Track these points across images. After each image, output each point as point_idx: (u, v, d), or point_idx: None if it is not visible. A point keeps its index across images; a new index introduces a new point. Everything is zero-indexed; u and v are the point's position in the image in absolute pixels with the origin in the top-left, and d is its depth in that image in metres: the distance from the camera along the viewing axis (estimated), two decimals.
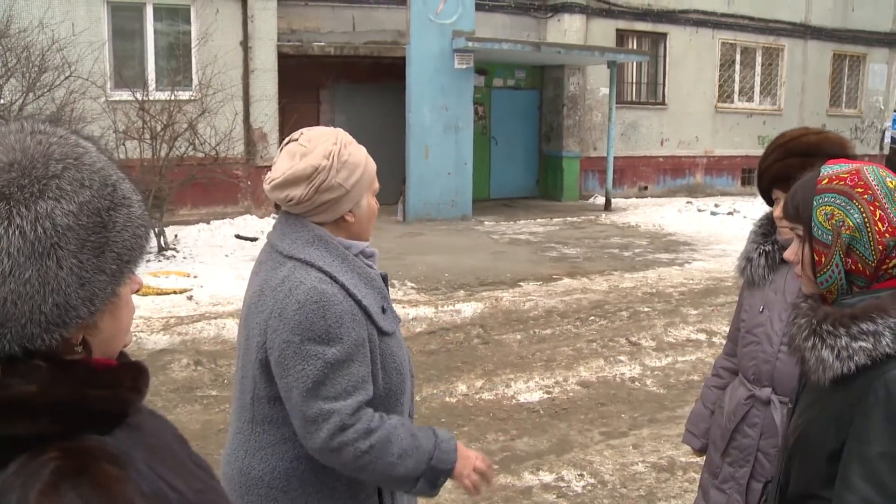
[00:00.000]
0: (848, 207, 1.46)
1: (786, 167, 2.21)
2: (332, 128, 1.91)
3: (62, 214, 0.92)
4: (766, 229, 2.41)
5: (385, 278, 1.97)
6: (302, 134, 1.87)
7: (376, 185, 1.93)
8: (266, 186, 1.85)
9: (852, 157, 1.97)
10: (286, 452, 1.83)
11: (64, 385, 0.94)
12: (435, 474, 1.80)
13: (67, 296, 0.93)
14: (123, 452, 0.96)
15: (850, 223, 1.45)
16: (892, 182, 1.48)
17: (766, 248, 2.37)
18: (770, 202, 2.33)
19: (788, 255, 1.60)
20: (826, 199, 1.49)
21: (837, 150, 2.17)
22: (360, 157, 1.85)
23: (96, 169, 0.98)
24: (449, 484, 4.16)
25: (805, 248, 1.53)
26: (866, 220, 1.45)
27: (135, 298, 4.51)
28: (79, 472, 0.90)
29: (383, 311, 1.86)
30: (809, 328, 1.49)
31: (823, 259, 1.49)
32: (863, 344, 1.41)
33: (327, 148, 1.81)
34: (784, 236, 2.29)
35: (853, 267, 1.47)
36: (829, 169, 1.53)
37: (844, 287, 1.49)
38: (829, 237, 1.47)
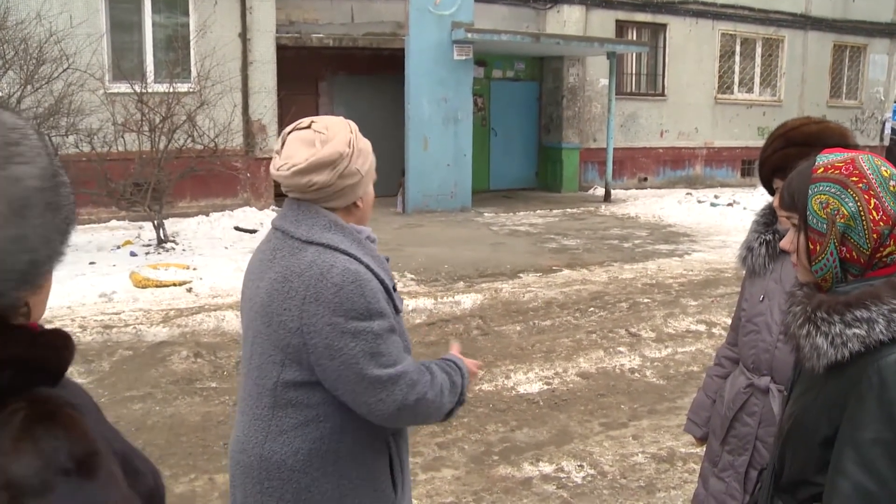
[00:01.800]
0: (843, 196, 1.47)
1: (786, 157, 2.21)
2: (338, 117, 1.97)
3: (31, 178, 0.99)
4: (768, 219, 2.41)
5: (388, 261, 2.06)
6: (313, 122, 1.90)
7: (374, 173, 2.00)
8: (282, 173, 1.84)
9: (853, 147, 1.96)
10: (309, 434, 1.86)
11: (17, 342, 0.99)
12: (463, 397, 2.04)
13: (37, 253, 0.99)
14: (69, 403, 1.01)
15: (845, 212, 1.46)
16: (886, 171, 1.49)
17: (767, 238, 2.37)
18: (771, 192, 2.33)
19: (784, 243, 1.61)
20: (821, 188, 1.49)
21: (838, 139, 2.17)
22: (368, 144, 1.94)
23: (35, 139, 1.03)
24: (449, 475, 4.19)
25: (800, 237, 1.53)
26: (861, 208, 1.45)
27: (135, 290, 4.55)
28: (48, 417, 0.96)
29: (394, 289, 1.96)
30: (804, 315, 1.50)
31: (818, 247, 1.49)
32: (857, 331, 1.42)
33: (346, 135, 1.87)
34: (785, 226, 2.29)
35: (848, 255, 1.48)
36: (825, 158, 1.54)
37: (839, 275, 1.50)
38: (824, 226, 1.48)
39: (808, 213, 1.50)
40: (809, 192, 1.50)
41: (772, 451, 1.69)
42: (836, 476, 1.40)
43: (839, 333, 1.43)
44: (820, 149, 2.11)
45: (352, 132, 1.88)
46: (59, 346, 1.06)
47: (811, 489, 1.50)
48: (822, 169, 1.51)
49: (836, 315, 1.44)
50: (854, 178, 1.47)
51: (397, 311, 1.95)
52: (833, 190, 1.48)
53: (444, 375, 1.98)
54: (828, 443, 1.44)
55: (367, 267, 1.84)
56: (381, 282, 1.87)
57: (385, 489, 1.95)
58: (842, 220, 1.46)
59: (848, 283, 1.49)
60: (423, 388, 1.88)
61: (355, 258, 1.83)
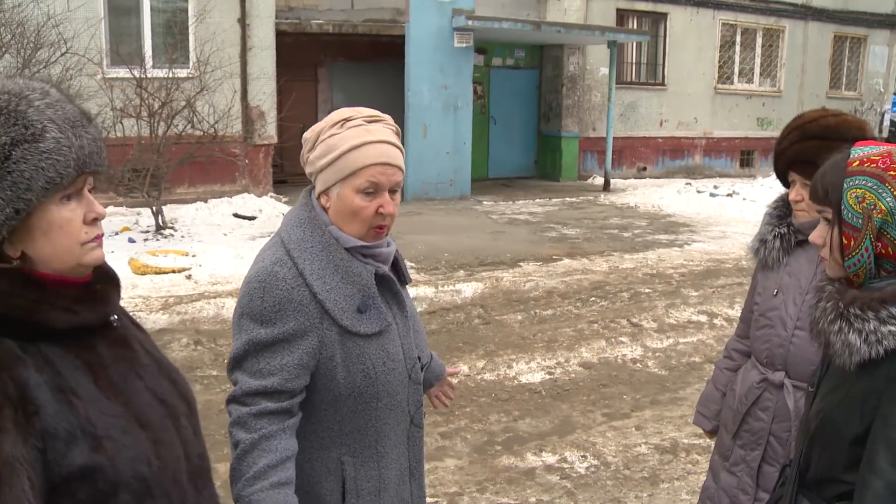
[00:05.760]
0: (880, 190, 1.43)
1: (803, 149, 2.18)
2: (364, 111, 1.84)
3: None
4: (781, 211, 2.37)
5: (385, 278, 1.87)
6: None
7: (361, 181, 1.76)
8: None
9: (871, 139, 1.93)
10: None
11: None
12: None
13: None
14: (12, 357, 1.13)
15: (882, 206, 1.42)
16: None
17: (781, 231, 2.33)
18: (786, 184, 2.30)
19: (815, 237, 1.57)
20: (857, 182, 1.46)
21: (856, 132, 2.14)
22: (340, 142, 1.77)
23: (6, 111, 1.17)
24: (452, 465, 4.17)
25: (833, 232, 1.50)
26: None
27: (134, 277, 4.59)
28: None
29: (360, 310, 1.79)
30: (836, 311, 1.47)
31: (853, 243, 1.46)
32: (892, 328, 1.39)
33: (320, 124, 1.83)
34: (799, 219, 2.26)
35: (883, 251, 1.44)
36: (860, 151, 1.50)
37: (873, 271, 1.47)
38: (860, 220, 1.44)
39: (842, 207, 1.47)
40: (844, 185, 1.47)
41: (796, 448, 1.67)
42: (868, 474, 1.38)
43: (874, 330, 1.40)
44: (838, 142, 2.09)
45: (327, 122, 1.81)
46: (49, 302, 1.18)
47: (839, 487, 1.48)
48: (857, 162, 1.48)
49: (870, 311, 1.41)
50: (892, 172, 1.43)
51: (349, 331, 1.78)
52: (870, 184, 1.44)
53: (259, 467, 1.68)
54: (858, 441, 1.42)
55: (302, 274, 1.74)
56: (315, 295, 1.74)
57: None
58: (879, 216, 1.43)
59: (881, 279, 1.46)
60: (234, 413, 1.73)
61: (293, 261, 1.76)
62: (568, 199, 13.98)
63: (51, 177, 1.18)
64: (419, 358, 1.96)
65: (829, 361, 1.56)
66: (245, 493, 1.67)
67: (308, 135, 1.83)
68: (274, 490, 1.67)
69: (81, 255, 1.25)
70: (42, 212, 1.19)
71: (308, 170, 1.84)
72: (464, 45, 13.33)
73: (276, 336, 1.73)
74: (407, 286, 2.03)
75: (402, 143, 1.87)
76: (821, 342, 1.52)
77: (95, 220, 1.27)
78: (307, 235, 1.79)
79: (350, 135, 1.77)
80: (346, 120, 1.80)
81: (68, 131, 1.21)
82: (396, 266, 1.96)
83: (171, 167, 9.89)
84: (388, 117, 1.87)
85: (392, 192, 1.81)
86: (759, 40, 18.38)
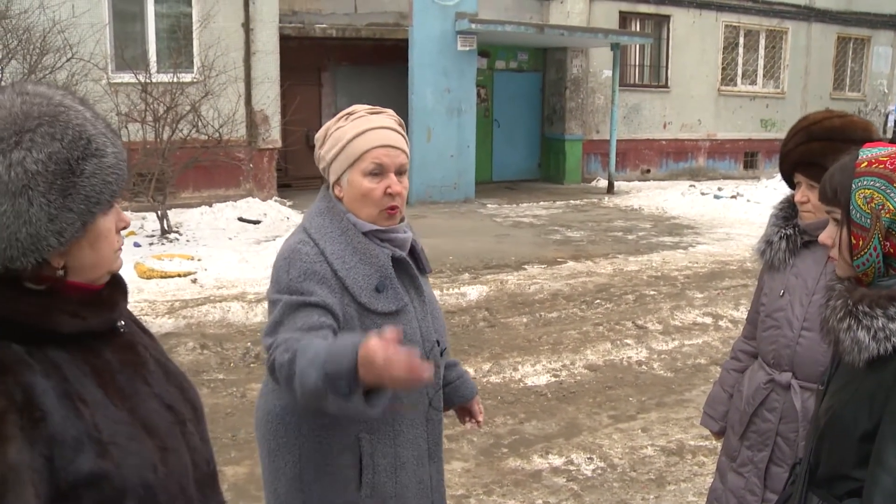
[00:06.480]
0: (888, 191, 1.45)
1: (809, 151, 2.19)
2: (366, 106, 1.96)
3: (32, 162, 1.11)
4: (788, 213, 2.38)
5: (402, 261, 1.96)
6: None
7: (366, 164, 1.87)
8: None
9: (877, 140, 1.94)
10: (279, 399, 1.94)
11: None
12: (333, 381, 1.52)
13: (38, 227, 1.12)
14: (19, 362, 1.12)
15: (891, 206, 1.44)
16: None
17: (788, 232, 2.34)
18: (792, 186, 2.30)
19: (824, 238, 1.59)
20: (865, 183, 1.48)
21: (861, 133, 2.15)
22: (344, 133, 1.89)
23: (72, 125, 1.16)
24: (459, 467, 4.17)
25: (842, 232, 1.51)
26: None
27: (139, 281, 4.64)
28: None
29: (377, 289, 1.88)
30: (845, 309, 1.49)
31: (861, 242, 1.48)
32: None
33: (328, 123, 1.95)
34: (806, 220, 2.27)
35: (891, 250, 1.46)
36: (868, 152, 1.52)
37: (882, 270, 1.49)
38: (868, 220, 1.46)
39: (851, 207, 1.49)
40: (853, 186, 1.49)
41: (806, 446, 1.68)
42: (877, 470, 1.39)
43: (882, 327, 1.42)
44: (843, 143, 2.10)
45: (335, 118, 1.93)
46: (58, 308, 1.18)
47: (849, 484, 1.49)
48: (865, 163, 1.50)
49: (878, 309, 1.43)
50: None
51: (368, 308, 1.86)
52: (878, 184, 1.46)
53: (321, 346, 1.62)
54: (867, 437, 1.44)
55: (322, 253, 1.85)
56: (335, 272, 1.84)
57: (345, 486, 1.89)
58: (887, 215, 1.44)
59: (890, 278, 1.48)
60: (278, 351, 1.70)
61: (314, 242, 1.87)
62: (572, 201, 13.99)
63: (115, 190, 1.21)
64: (438, 342, 2.03)
65: (838, 359, 1.58)
66: (319, 361, 1.56)
67: (318, 134, 1.95)
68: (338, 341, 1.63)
69: (113, 261, 1.28)
70: (93, 223, 1.21)
71: (321, 165, 1.95)
72: (467, 48, 13.36)
73: (308, 301, 1.80)
74: (427, 275, 2.14)
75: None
76: (830, 340, 1.54)
77: (122, 229, 1.30)
78: (327, 222, 1.90)
79: (353, 125, 1.90)
80: (350, 114, 1.93)
81: (117, 144, 1.24)
82: (416, 255, 2.06)
83: (175, 171, 9.93)
84: (389, 110, 1.98)
85: (399, 174, 1.91)
86: (762, 42, 18.38)
